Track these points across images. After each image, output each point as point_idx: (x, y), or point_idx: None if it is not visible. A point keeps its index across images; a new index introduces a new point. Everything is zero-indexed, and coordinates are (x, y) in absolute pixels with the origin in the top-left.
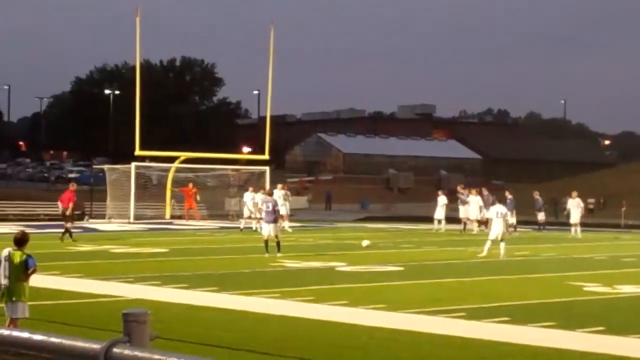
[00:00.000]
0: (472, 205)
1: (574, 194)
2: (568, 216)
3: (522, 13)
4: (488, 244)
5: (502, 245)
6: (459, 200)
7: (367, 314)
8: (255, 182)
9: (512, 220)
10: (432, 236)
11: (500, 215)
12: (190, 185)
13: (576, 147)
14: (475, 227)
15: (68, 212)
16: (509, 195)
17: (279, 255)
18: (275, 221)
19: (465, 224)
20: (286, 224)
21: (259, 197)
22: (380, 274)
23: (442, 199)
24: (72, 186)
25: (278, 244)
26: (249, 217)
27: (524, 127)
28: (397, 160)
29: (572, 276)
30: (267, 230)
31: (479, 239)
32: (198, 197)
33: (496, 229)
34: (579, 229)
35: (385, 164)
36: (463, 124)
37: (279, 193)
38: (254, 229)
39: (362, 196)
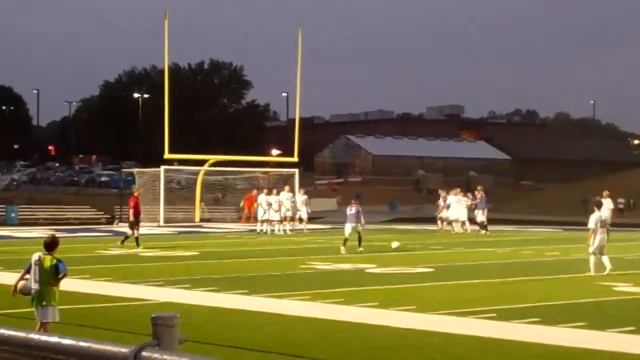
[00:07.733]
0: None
1: (605, 193)
2: None
3: (550, 12)
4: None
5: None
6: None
7: (397, 315)
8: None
9: None
10: (461, 237)
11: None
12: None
13: (606, 147)
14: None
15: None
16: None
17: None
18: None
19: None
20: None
21: (274, 199)
22: (410, 275)
23: (463, 200)
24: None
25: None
26: (264, 221)
27: (553, 127)
28: (426, 161)
29: (602, 276)
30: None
31: (506, 240)
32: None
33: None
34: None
35: (415, 166)
36: (492, 125)
37: (286, 195)
38: (260, 231)
39: (392, 198)
